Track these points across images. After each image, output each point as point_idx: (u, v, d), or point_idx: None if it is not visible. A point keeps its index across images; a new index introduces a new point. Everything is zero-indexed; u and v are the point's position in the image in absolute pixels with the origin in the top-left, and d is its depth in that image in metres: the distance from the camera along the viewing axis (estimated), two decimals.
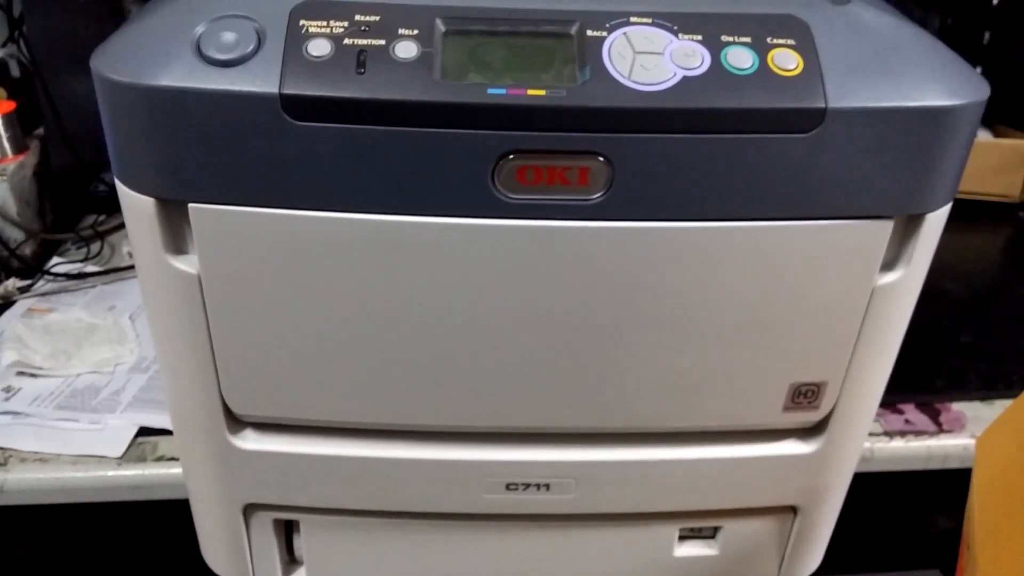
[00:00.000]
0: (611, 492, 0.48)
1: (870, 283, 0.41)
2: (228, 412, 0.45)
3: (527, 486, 0.47)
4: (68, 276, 0.78)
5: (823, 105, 0.36)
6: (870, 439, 0.61)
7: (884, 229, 0.39)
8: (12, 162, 0.77)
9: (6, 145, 0.78)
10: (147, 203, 0.38)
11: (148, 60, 0.35)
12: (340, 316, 0.40)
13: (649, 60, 0.36)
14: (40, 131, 0.84)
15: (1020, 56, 0.93)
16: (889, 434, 0.62)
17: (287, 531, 0.52)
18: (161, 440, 0.59)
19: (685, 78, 0.36)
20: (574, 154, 0.36)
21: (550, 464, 0.46)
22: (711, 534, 0.53)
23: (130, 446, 0.59)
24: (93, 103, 0.37)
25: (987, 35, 0.96)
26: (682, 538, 0.53)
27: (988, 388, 0.66)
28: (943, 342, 0.71)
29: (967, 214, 0.87)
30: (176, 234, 0.39)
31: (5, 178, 0.76)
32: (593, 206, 0.37)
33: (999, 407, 0.65)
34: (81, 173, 0.87)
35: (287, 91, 0.35)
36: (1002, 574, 0.38)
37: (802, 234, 0.39)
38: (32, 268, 0.78)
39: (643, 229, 0.38)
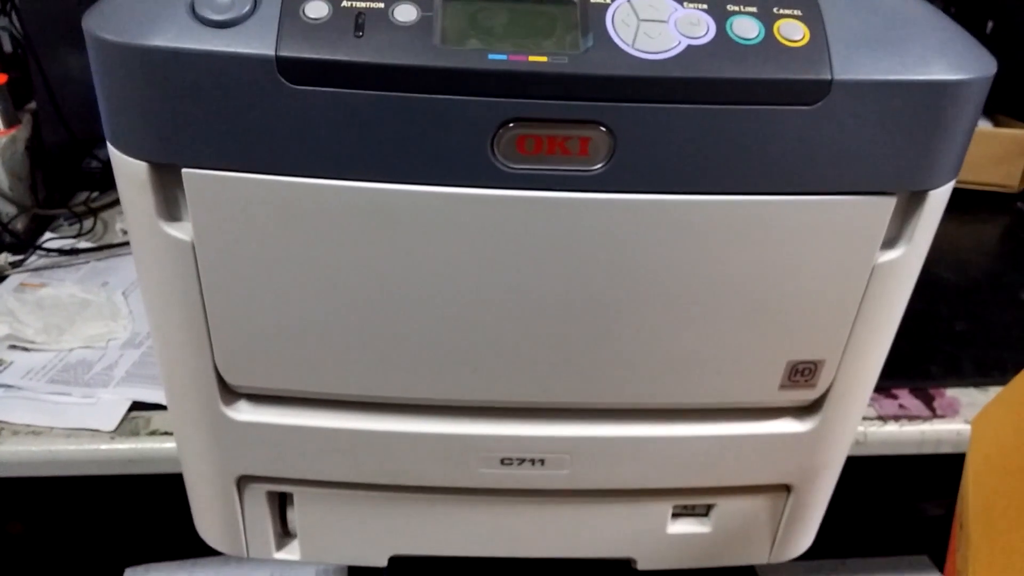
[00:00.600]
0: (606, 468, 0.48)
1: (871, 260, 0.41)
2: (222, 383, 0.44)
3: (522, 461, 0.47)
4: (61, 252, 0.77)
5: (829, 77, 0.35)
6: (864, 423, 0.61)
7: (887, 205, 0.39)
8: (3, 136, 0.76)
9: None
10: (140, 168, 0.37)
11: (141, 20, 0.35)
12: (335, 286, 0.40)
13: (653, 28, 0.35)
14: (32, 105, 0.83)
15: (1022, 46, 0.92)
16: (883, 418, 0.62)
17: (281, 503, 0.52)
18: (154, 415, 0.59)
19: (690, 47, 0.35)
20: (575, 123, 0.36)
21: (545, 439, 0.46)
22: (704, 512, 0.53)
23: (123, 420, 0.58)
24: (86, 78, 0.37)
25: (990, 24, 0.95)
26: (675, 515, 0.53)
27: (982, 375, 0.66)
28: (939, 329, 0.71)
29: (966, 203, 0.87)
30: (170, 200, 0.39)
31: None
32: (593, 177, 0.37)
33: (993, 393, 0.65)
34: (74, 149, 0.86)
35: (283, 53, 0.34)
36: (995, 551, 0.38)
37: (804, 209, 0.38)
38: (24, 243, 0.77)
39: (644, 201, 0.38)
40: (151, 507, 0.76)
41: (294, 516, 0.52)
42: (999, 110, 0.96)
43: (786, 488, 0.51)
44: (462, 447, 0.46)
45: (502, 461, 0.47)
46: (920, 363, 0.67)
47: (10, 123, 0.78)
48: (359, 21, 0.34)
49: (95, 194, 0.85)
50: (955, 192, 0.41)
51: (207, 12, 0.34)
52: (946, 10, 1.02)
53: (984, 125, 0.95)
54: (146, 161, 0.37)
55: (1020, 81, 0.89)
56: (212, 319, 0.41)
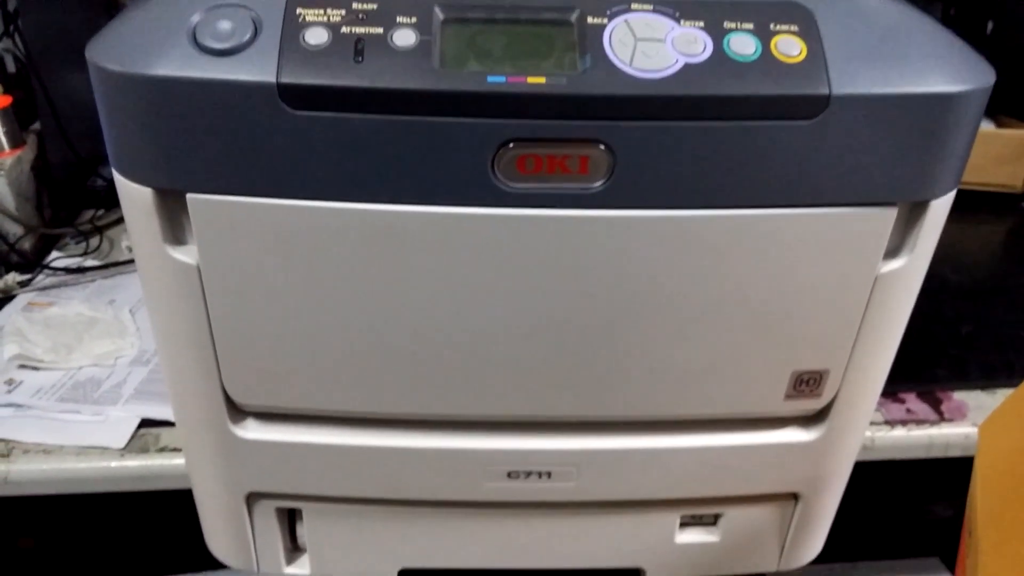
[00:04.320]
0: (612, 480, 0.48)
1: (873, 271, 0.41)
2: (229, 402, 0.45)
3: (528, 474, 0.47)
4: (67, 270, 0.78)
5: (827, 92, 0.35)
6: (871, 428, 0.61)
7: (888, 216, 0.39)
8: (9, 156, 0.77)
9: (3, 140, 0.78)
10: (145, 194, 0.38)
11: (144, 50, 0.35)
12: (340, 306, 0.40)
13: (650, 47, 0.35)
14: (37, 126, 0.83)
15: (1023, 46, 0.92)
16: (890, 423, 0.62)
17: (290, 519, 0.52)
18: (163, 431, 0.59)
19: (687, 65, 0.35)
20: (575, 142, 0.36)
21: (551, 452, 0.46)
22: (712, 521, 0.53)
23: (133, 437, 0.59)
24: (90, 97, 0.37)
25: (990, 25, 0.95)
26: (683, 525, 0.53)
27: (990, 377, 0.66)
28: (945, 332, 0.71)
29: (969, 205, 0.87)
30: (175, 225, 0.39)
31: (3, 173, 0.75)
32: (594, 195, 0.37)
33: (1001, 396, 0.65)
34: (78, 168, 0.87)
35: (284, 80, 0.34)
36: (1004, 559, 0.38)
37: (805, 222, 0.39)
38: (31, 263, 0.78)
39: (644, 218, 0.38)
40: (161, 522, 0.76)
41: (303, 531, 0.52)
42: (1001, 111, 0.96)
43: (794, 496, 0.51)
44: (468, 462, 0.47)
45: (508, 475, 0.47)
46: (927, 366, 0.67)
47: (15, 144, 0.78)
48: (359, 47, 0.35)
49: (100, 212, 0.86)
50: (958, 193, 0.41)
51: (209, 41, 0.35)
52: (946, 11, 1.02)
53: (987, 126, 0.95)
54: (151, 187, 0.38)
55: (1022, 81, 0.89)
56: (219, 340, 0.42)
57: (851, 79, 0.36)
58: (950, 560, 0.82)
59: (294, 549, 0.54)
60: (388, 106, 0.35)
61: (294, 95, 0.35)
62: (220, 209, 0.37)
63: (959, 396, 0.64)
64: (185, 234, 0.39)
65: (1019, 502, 0.38)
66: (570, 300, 0.40)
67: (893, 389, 0.63)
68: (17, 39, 0.82)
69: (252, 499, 0.50)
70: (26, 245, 0.78)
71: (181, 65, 0.34)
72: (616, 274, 0.40)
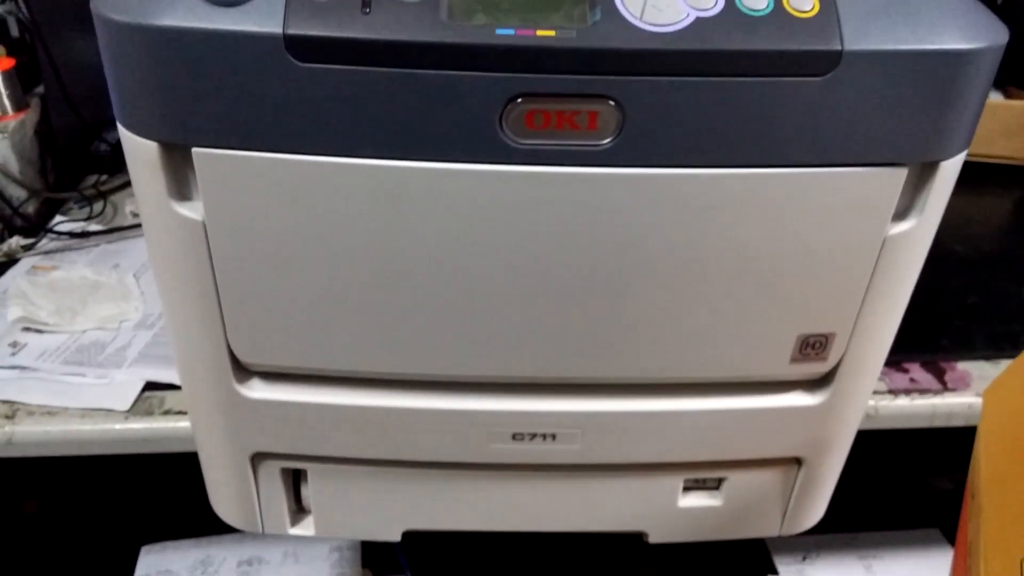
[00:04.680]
0: (617, 442, 0.48)
1: (882, 232, 0.41)
2: (235, 361, 0.45)
3: (533, 436, 0.47)
4: (71, 235, 0.78)
5: (839, 48, 0.35)
6: (875, 397, 0.61)
7: (898, 177, 0.39)
8: (12, 120, 0.77)
9: (6, 103, 0.77)
10: (151, 148, 0.38)
11: (149, 0, 0.35)
12: (346, 263, 0.40)
13: (662, 0, 0.35)
14: (40, 89, 0.83)
15: None
16: (894, 392, 0.62)
17: (295, 480, 0.53)
18: (168, 395, 0.59)
19: (698, 19, 0.35)
20: (584, 97, 0.36)
21: (556, 414, 0.47)
22: (715, 485, 0.53)
23: (137, 400, 0.59)
24: (93, 61, 0.37)
25: None
26: (686, 489, 0.53)
27: (994, 348, 0.66)
28: (950, 303, 0.71)
29: (976, 176, 0.87)
30: (180, 180, 0.39)
31: (6, 136, 0.75)
32: (602, 152, 0.37)
33: (1004, 367, 0.65)
34: (82, 132, 0.86)
35: (291, 31, 0.34)
36: (1007, 521, 0.38)
37: (815, 181, 0.38)
38: (35, 227, 0.78)
39: (653, 176, 0.38)
40: (166, 485, 0.77)
41: (308, 492, 0.52)
42: (1010, 82, 0.95)
43: (797, 461, 0.51)
44: (473, 423, 0.47)
45: (513, 436, 0.47)
46: (931, 337, 0.67)
47: (19, 107, 0.78)
48: None
49: (104, 177, 0.86)
50: (965, 165, 0.41)
51: None
52: None
53: (995, 97, 0.94)
54: (156, 141, 0.37)
55: None
56: (224, 298, 0.42)
57: (864, 35, 0.35)
58: (950, 532, 0.83)
59: (299, 510, 0.54)
60: (395, 59, 0.35)
61: (301, 47, 0.34)
62: (226, 164, 0.37)
63: (963, 366, 0.64)
64: (190, 189, 0.39)
65: (1022, 465, 0.38)
66: (576, 259, 0.40)
67: (897, 359, 0.63)
68: (20, 2, 0.82)
69: (257, 460, 0.50)
70: (30, 209, 0.78)
71: (187, 15, 0.34)
72: (623, 233, 0.39)
